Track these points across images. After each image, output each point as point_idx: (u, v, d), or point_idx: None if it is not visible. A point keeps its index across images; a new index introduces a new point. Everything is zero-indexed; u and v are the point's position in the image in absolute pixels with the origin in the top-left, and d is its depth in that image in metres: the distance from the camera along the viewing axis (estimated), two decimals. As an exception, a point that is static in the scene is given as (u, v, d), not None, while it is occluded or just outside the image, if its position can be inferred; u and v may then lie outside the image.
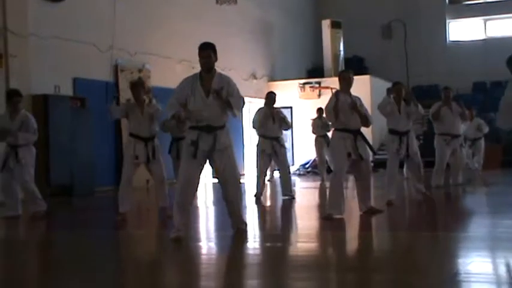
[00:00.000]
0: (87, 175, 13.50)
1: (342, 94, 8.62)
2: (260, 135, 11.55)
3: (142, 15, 15.99)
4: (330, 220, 8.35)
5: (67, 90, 13.74)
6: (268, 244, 7.37)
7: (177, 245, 6.98)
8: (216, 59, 7.30)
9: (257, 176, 11.65)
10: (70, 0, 13.85)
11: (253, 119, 11.69)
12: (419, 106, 10.39)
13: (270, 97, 11.69)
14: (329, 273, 5.60)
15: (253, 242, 7.40)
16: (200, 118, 7.04)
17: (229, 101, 7.05)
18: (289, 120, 12.06)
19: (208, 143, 7.01)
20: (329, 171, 16.27)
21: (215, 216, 10.37)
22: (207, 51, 7.26)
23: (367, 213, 8.67)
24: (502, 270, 5.54)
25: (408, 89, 10.68)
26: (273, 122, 11.37)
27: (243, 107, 7.38)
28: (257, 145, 11.67)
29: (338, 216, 8.42)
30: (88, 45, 14.32)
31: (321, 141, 16.01)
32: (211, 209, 11.48)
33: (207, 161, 7.18)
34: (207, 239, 7.86)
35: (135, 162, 9.15)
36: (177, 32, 17.02)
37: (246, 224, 7.60)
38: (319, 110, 15.86)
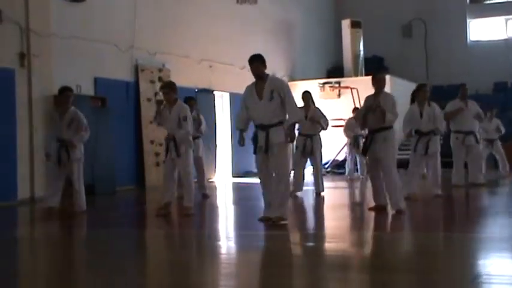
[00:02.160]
0: (108, 174, 13.56)
1: (371, 97, 8.99)
2: None
3: (162, 15, 16.04)
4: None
5: (88, 89, 13.81)
6: (292, 243, 7.39)
7: (199, 243, 7.00)
8: (265, 67, 8.19)
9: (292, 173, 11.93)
10: (91, 1, 13.93)
11: None
12: (437, 112, 10.67)
13: (305, 97, 11.96)
14: (352, 273, 5.60)
15: (275, 241, 7.42)
16: (255, 118, 8.15)
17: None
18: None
19: (263, 139, 8.01)
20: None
21: (235, 216, 10.40)
22: (255, 64, 8.16)
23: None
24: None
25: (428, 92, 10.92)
26: (305, 119, 11.59)
27: (299, 112, 8.60)
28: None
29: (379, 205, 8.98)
30: (109, 45, 14.40)
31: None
32: (231, 209, 11.51)
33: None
34: (227, 238, 7.88)
35: (171, 158, 9.46)
36: (197, 32, 17.06)
37: (279, 216, 8.03)
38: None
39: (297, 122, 8.34)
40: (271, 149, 8.00)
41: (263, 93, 8.04)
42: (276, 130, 8.05)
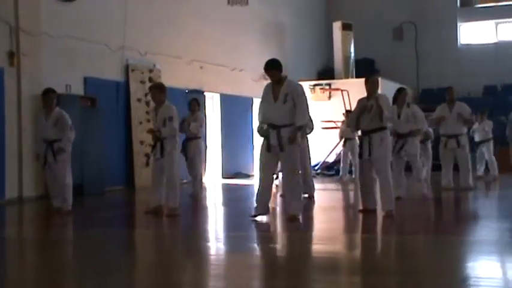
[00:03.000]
0: (97, 175, 13.49)
1: (364, 99, 9.06)
2: None
3: (153, 15, 16.00)
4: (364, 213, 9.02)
5: (78, 89, 13.75)
6: (281, 245, 7.38)
7: (189, 244, 6.98)
8: (281, 72, 8.64)
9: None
10: (82, 0, 13.88)
11: None
12: (418, 113, 10.81)
13: None
14: (341, 276, 5.61)
15: (264, 242, 7.41)
16: (268, 117, 8.44)
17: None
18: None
19: (274, 138, 8.34)
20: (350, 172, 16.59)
21: (225, 217, 10.38)
22: (272, 72, 8.60)
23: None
24: (512, 274, 5.53)
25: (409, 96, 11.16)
26: None
27: (307, 117, 8.79)
28: None
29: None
30: (99, 44, 14.33)
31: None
32: (221, 210, 11.48)
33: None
34: (216, 239, 7.86)
35: (154, 159, 9.61)
36: (187, 32, 17.03)
37: (296, 213, 8.45)
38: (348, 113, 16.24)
39: (302, 127, 8.55)
40: (284, 147, 8.29)
41: (279, 96, 8.40)
42: (287, 130, 8.34)
